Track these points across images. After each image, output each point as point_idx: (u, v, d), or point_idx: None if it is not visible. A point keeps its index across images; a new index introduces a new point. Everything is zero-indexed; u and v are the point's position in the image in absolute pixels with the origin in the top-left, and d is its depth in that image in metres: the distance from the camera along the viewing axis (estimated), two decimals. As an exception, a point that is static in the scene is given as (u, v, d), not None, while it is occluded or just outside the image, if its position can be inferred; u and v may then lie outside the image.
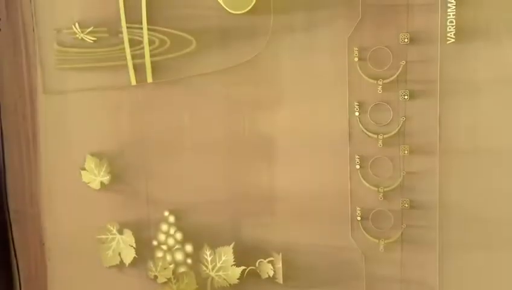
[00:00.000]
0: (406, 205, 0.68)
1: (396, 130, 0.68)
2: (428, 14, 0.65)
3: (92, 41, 0.69)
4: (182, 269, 0.73)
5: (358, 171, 0.69)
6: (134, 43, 0.69)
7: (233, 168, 0.71)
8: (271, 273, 0.71)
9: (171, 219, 0.72)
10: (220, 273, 0.72)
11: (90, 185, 0.72)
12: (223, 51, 0.69)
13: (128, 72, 0.70)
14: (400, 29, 0.66)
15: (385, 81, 0.67)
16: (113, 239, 0.73)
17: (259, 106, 0.70)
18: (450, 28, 0.65)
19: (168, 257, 0.73)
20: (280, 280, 0.71)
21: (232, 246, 0.71)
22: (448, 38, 0.66)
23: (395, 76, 0.67)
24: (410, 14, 0.66)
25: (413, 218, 0.68)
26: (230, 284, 0.72)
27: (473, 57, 0.65)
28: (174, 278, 0.73)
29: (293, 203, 0.70)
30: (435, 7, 0.65)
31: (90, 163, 0.71)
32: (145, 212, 0.73)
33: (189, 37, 0.69)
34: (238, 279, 0.71)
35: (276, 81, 0.69)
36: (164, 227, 0.72)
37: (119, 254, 0.73)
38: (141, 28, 0.69)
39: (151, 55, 0.69)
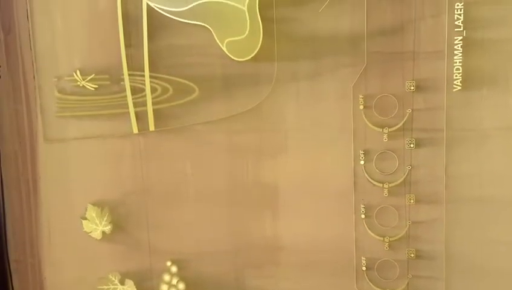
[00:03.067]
0: (412, 255, 0.67)
1: (402, 179, 0.67)
2: (434, 61, 0.64)
3: (93, 89, 0.68)
4: (184, 320, 0.72)
5: (364, 220, 0.68)
6: (136, 91, 0.68)
7: (236, 218, 0.70)
8: (275, 324, 0.71)
9: (174, 269, 0.71)
10: (223, 323, 0.71)
11: (92, 234, 0.71)
12: (226, 98, 0.68)
13: (130, 120, 0.69)
14: (406, 77, 0.65)
15: (391, 129, 0.66)
16: (114, 289, 0.72)
17: (263, 154, 0.69)
18: (456, 76, 0.65)
19: (171, 308, 0.72)
20: (284, 331, 0.70)
21: (235, 296, 0.71)
22: (454, 86, 0.65)
23: (401, 124, 0.66)
24: (416, 61, 0.65)
25: (419, 268, 0.67)
26: (233, 336, 0.71)
27: (479, 105, 0.65)
28: (176, 329, 0.72)
29: (298, 254, 0.69)
30: (442, 54, 0.64)
31: (92, 212, 0.70)
32: (147, 262, 0.72)
33: (192, 84, 0.68)
34: (241, 330, 0.71)
35: (280, 130, 0.68)
36: (166, 277, 0.71)
37: (121, 305, 0.73)
38: (143, 76, 0.68)
39: (153, 103, 0.68)
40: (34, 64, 0.69)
